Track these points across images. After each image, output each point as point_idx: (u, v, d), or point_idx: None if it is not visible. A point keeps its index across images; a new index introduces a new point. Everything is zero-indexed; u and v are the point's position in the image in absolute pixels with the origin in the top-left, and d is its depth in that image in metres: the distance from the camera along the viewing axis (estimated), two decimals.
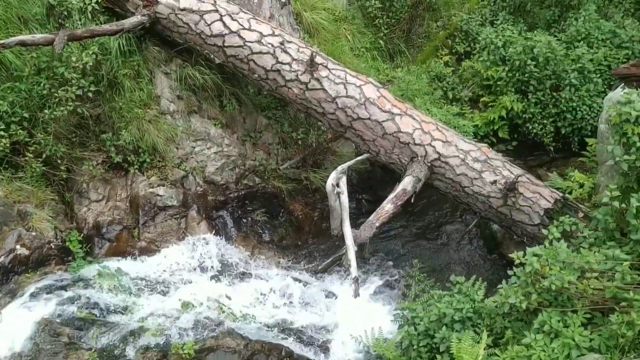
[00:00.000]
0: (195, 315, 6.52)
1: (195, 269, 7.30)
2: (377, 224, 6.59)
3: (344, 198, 6.50)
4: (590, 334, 4.59)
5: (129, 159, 7.63)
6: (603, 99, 8.04)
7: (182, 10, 7.51)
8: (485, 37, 9.52)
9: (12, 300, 6.44)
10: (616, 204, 5.30)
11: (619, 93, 6.16)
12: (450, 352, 5.15)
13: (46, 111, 7.03)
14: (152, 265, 7.26)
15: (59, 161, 7.29)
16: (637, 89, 5.84)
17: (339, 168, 6.79)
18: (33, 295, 6.45)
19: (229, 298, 6.90)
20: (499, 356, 4.72)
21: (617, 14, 9.98)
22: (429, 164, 7.12)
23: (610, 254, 4.93)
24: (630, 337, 4.35)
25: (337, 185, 6.57)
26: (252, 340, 6.28)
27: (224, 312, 6.64)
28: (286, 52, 7.43)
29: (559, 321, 4.67)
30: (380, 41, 9.89)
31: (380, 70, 9.62)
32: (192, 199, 7.84)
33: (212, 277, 7.26)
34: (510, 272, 5.22)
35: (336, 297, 7.22)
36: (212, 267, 7.38)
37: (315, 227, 8.41)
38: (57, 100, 7.04)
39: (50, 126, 7.15)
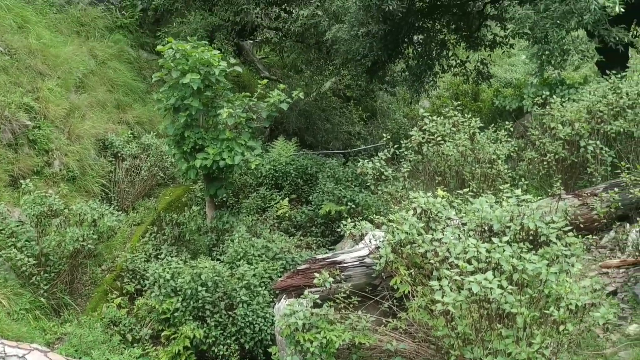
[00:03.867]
0: None
1: None
2: None
3: None
4: None
5: None
6: (273, 308, 8.62)
7: None
8: (153, 272, 9.60)
9: None
10: None
11: (283, 305, 6.68)
12: None
13: None
14: None
15: None
16: (297, 298, 6.43)
17: None
18: None
19: None
20: None
21: (265, 230, 11.18)
22: None
23: None
24: None
25: None
26: None
27: None
28: None
29: None
30: (42, 299, 9.17)
31: (46, 330, 8.80)
32: None
33: None
34: None
35: None
36: None
37: None
38: None
39: None
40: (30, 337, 8.02)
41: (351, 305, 6.23)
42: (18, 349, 6.63)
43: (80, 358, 7.58)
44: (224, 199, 12.54)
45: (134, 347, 9.08)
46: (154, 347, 9.33)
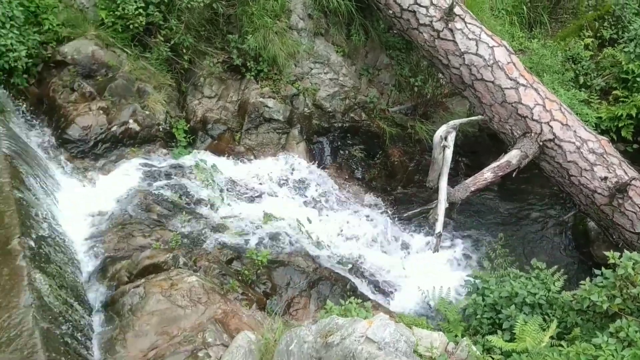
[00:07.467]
0: (275, 228, 6.69)
1: (284, 185, 7.48)
2: (473, 188, 6.48)
3: (449, 153, 6.39)
4: None
5: (248, 64, 7.79)
6: None
7: None
8: (638, 27, 8.85)
9: (114, 168, 6.88)
10: None
11: None
12: (513, 331, 5.08)
13: None
14: (245, 171, 7.49)
15: (183, 50, 7.55)
16: None
17: (451, 123, 6.66)
18: (134, 168, 6.85)
19: (310, 221, 7.04)
20: (564, 347, 4.62)
21: None
22: (540, 143, 6.85)
23: None
24: None
25: (445, 138, 6.46)
26: (322, 266, 6.39)
27: (302, 232, 6.78)
28: None
29: (636, 331, 4.49)
30: (524, 7, 9.41)
31: (514, 37, 9.20)
32: (298, 118, 7.94)
33: (298, 197, 7.42)
34: (597, 272, 5.04)
35: (412, 248, 7.24)
36: (300, 187, 7.53)
37: (407, 177, 8.35)
38: None
39: (184, 15, 7.38)
40: (500, 36, 8.45)
41: None
42: (491, 39, 7.11)
43: (532, 74, 7.84)
44: None
45: (581, 90, 8.96)
46: (599, 100, 9.04)
